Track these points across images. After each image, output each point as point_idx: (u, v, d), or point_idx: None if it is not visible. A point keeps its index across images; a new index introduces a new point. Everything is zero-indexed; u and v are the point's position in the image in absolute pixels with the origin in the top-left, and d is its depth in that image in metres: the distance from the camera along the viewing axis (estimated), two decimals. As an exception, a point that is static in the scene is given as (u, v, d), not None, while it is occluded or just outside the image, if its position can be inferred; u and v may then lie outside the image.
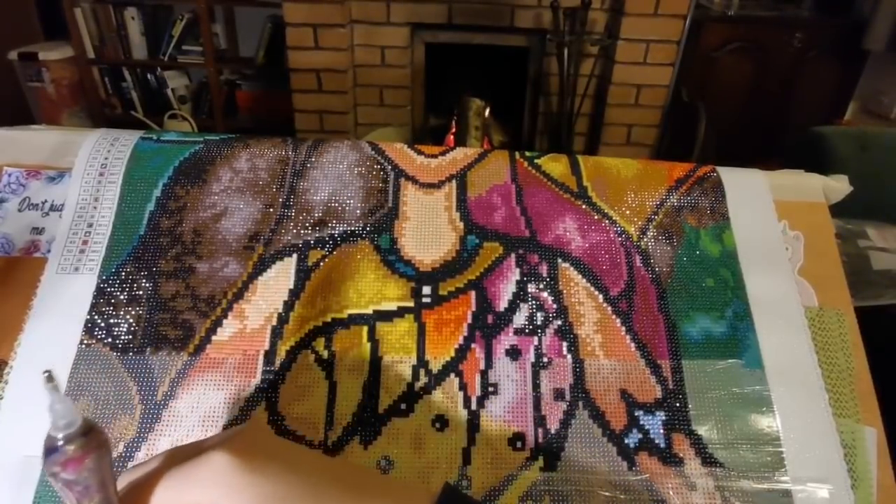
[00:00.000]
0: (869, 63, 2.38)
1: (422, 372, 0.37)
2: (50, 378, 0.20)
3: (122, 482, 0.24)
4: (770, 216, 0.44)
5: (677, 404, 0.37)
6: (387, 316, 0.38)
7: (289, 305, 0.38)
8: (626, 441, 0.36)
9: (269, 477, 0.23)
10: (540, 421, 0.36)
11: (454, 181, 0.44)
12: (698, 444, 0.36)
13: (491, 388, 0.37)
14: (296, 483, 0.23)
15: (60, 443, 0.20)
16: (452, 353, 0.38)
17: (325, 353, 0.37)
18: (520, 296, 0.40)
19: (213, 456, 0.23)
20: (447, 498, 0.25)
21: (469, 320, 0.39)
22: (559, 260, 0.41)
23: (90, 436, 0.21)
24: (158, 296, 0.38)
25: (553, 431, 0.36)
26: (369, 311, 0.38)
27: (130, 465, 0.33)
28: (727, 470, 0.35)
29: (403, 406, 0.36)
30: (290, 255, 0.40)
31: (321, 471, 0.25)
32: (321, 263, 0.40)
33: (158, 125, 2.53)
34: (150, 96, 2.63)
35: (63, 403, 0.20)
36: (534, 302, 0.39)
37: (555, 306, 0.39)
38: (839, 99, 2.45)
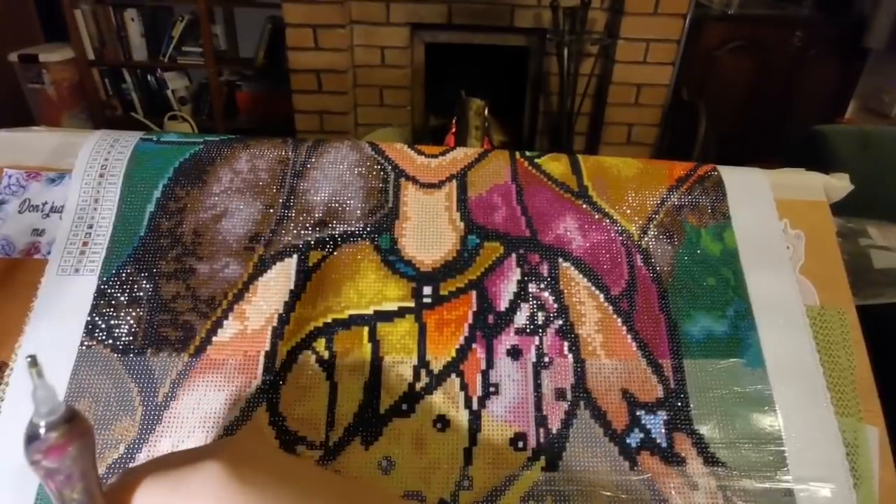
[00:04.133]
0: (869, 61, 2.37)
1: (423, 372, 0.37)
2: (33, 363, 0.19)
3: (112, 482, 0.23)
4: (771, 215, 0.44)
5: (679, 404, 0.37)
6: (387, 316, 0.38)
7: (289, 306, 0.38)
8: (628, 441, 0.36)
9: (259, 489, 0.23)
10: (541, 421, 0.36)
11: (454, 181, 0.44)
12: (700, 444, 0.36)
13: (492, 388, 0.37)
14: (286, 495, 0.23)
15: (42, 430, 0.20)
16: (453, 354, 0.37)
17: (326, 354, 0.37)
18: (521, 295, 0.40)
19: (205, 465, 0.23)
20: None
21: (470, 320, 0.39)
22: (560, 259, 0.41)
23: (73, 423, 0.20)
24: (159, 297, 0.38)
25: (554, 431, 0.36)
26: (370, 311, 0.38)
27: (134, 464, 0.33)
28: (729, 469, 0.35)
29: (405, 406, 0.36)
30: (290, 256, 0.40)
31: (313, 482, 0.25)
32: (322, 264, 0.40)
33: (159, 126, 2.53)
34: (151, 97, 2.63)
35: (45, 390, 0.20)
36: (535, 302, 0.39)
37: (556, 306, 0.39)
38: (840, 97, 2.45)
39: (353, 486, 0.28)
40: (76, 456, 0.20)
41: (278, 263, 0.40)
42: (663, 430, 0.36)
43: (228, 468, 0.23)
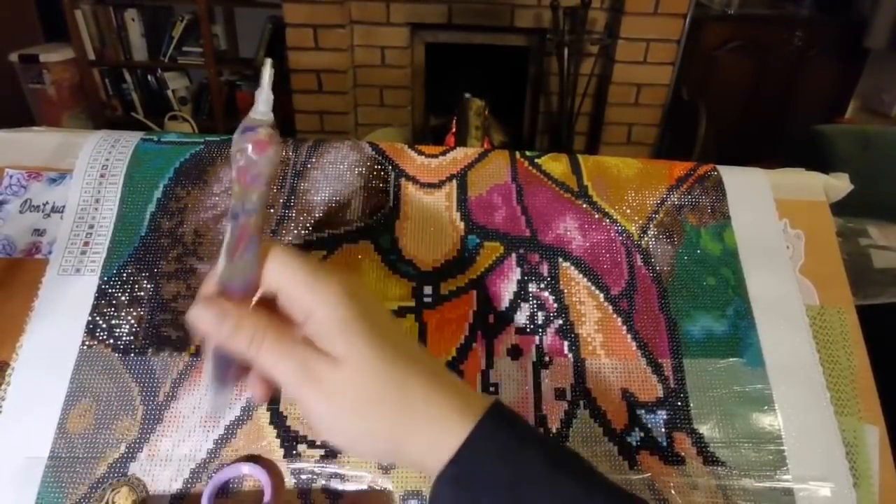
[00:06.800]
0: (869, 61, 2.37)
1: (423, 372, 0.37)
2: (273, 65, 0.23)
3: None
4: (771, 215, 0.44)
5: (678, 403, 0.37)
6: (388, 316, 0.38)
7: (290, 306, 0.38)
8: (628, 440, 0.36)
9: (373, 311, 0.26)
10: (541, 420, 0.36)
11: (455, 181, 0.44)
12: (700, 443, 0.36)
13: (492, 388, 0.37)
14: (391, 335, 0.26)
15: (257, 125, 0.23)
16: (454, 353, 0.38)
17: (327, 354, 0.37)
18: (521, 295, 0.40)
19: (335, 281, 0.25)
20: (496, 410, 0.26)
21: (470, 320, 0.39)
22: (560, 259, 0.41)
23: (276, 131, 0.24)
24: (160, 297, 0.38)
25: (554, 430, 0.36)
26: (370, 311, 0.38)
27: (135, 464, 0.33)
28: (729, 468, 0.35)
29: (405, 406, 0.36)
30: (290, 256, 0.40)
31: (409, 339, 0.28)
32: (322, 264, 0.40)
33: (159, 126, 2.53)
34: (151, 97, 2.63)
35: (269, 93, 0.23)
36: (535, 301, 0.39)
37: (556, 306, 0.39)
38: (840, 97, 2.45)
39: (436, 362, 0.29)
40: (270, 159, 0.24)
41: (279, 263, 0.40)
42: (663, 430, 0.36)
43: (355, 288, 0.26)
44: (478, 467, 0.25)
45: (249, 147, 0.23)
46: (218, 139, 0.44)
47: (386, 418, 0.25)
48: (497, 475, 0.25)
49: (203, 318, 0.25)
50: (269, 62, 0.22)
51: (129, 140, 0.44)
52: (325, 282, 0.25)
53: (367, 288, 0.28)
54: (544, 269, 0.41)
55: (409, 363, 0.25)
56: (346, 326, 0.25)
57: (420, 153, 0.45)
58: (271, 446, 0.34)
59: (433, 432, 0.25)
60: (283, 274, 0.25)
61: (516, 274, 0.40)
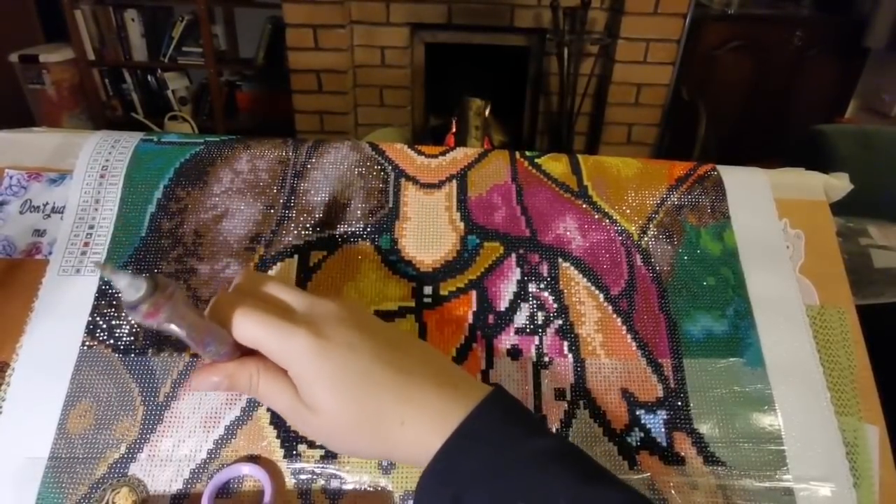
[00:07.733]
0: (869, 61, 2.38)
1: (423, 372, 0.37)
2: (102, 266, 0.22)
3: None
4: (771, 214, 0.44)
5: (679, 403, 0.37)
6: (388, 316, 0.38)
7: (290, 306, 0.38)
8: (628, 440, 0.36)
9: (336, 361, 0.27)
10: (541, 421, 0.36)
11: (454, 181, 0.44)
12: (700, 443, 0.36)
13: (492, 388, 0.37)
14: (357, 369, 0.28)
15: (135, 305, 0.24)
16: (454, 353, 0.38)
17: (327, 354, 0.37)
18: (520, 295, 0.40)
19: (300, 335, 0.27)
20: (489, 403, 0.28)
21: (470, 320, 0.39)
22: (560, 259, 0.41)
23: (157, 293, 0.24)
24: (160, 297, 0.38)
25: (554, 431, 0.36)
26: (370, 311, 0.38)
27: (135, 464, 0.34)
28: (729, 468, 0.35)
29: (405, 406, 0.36)
30: (291, 256, 0.40)
31: (388, 349, 0.29)
32: (322, 264, 0.40)
33: (159, 127, 2.53)
34: (151, 98, 2.63)
35: (122, 280, 0.23)
36: (534, 301, 0.39)
37: (555, 306, 0.39)
38: (840, 97, 2.45)
39: (423, 359, 0.30)
40: (169, 313, 0.24)
41: (279, 264, 0.40)
42: (663, 430, 0.36)
43: (318, 340, 0.28)
44: (460, 463, 0.26)
45: (145, 321, 0.24)
46: (218, 139, 0.44)
47: (368, 441, 0.28)
48: (479, 470, 0.26)
49: (202, 385, 0.29)
50: (101, 267, 0.22)
51: (129, 140, 0.44)
52: (291, 340, 0.27)
53: (340, 317, 0.29)
54: (544, 269, 0.41)
55: (379, 396, 0.27)
56: (312, 385, 0.27)
57: (420, 153, 0.45)
58: (271, 446, 0.34)
59: (417, 441, 0.27)
60: (254, 335, 0.28)
61: (516, 274, 0.40)
